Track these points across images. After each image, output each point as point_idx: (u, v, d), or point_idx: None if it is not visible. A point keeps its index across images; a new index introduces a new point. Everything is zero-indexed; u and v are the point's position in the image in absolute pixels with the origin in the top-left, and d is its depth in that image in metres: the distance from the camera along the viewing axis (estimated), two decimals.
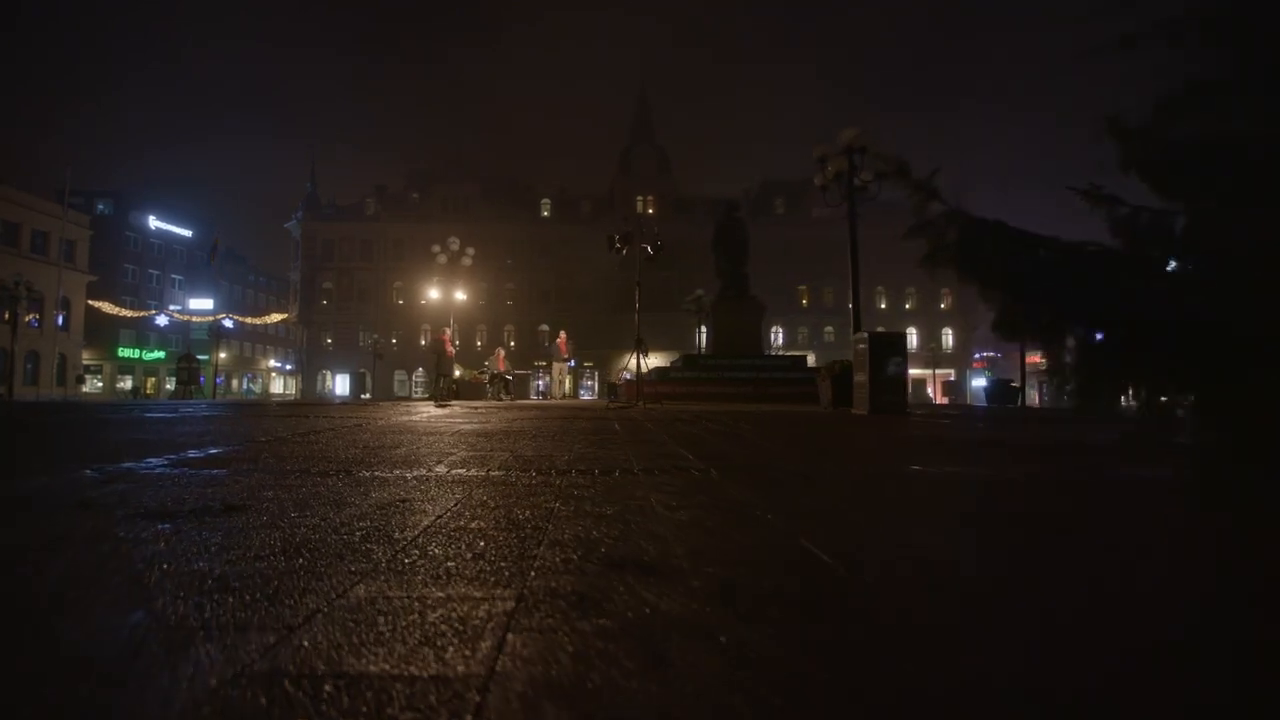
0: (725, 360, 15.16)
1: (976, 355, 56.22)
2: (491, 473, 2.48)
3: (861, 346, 8.30)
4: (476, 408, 9.62)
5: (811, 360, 19.31)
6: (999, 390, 16.53)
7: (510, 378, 15.57)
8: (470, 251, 16.68)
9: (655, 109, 54.09)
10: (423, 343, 47.29)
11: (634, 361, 10.17)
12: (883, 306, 51.77)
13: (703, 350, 23.88)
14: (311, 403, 16.69)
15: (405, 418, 6.56)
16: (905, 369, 8.13)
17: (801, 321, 49.83)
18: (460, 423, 5.66)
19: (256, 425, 5.29)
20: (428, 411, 8.31)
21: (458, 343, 48.48)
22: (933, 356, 45.93)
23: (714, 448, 3.59)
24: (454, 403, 12.44)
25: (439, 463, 2.78)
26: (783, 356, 18.81)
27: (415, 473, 2.45)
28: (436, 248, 16.25)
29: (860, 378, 8.33)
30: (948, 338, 51.35)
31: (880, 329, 9.24)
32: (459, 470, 2.54)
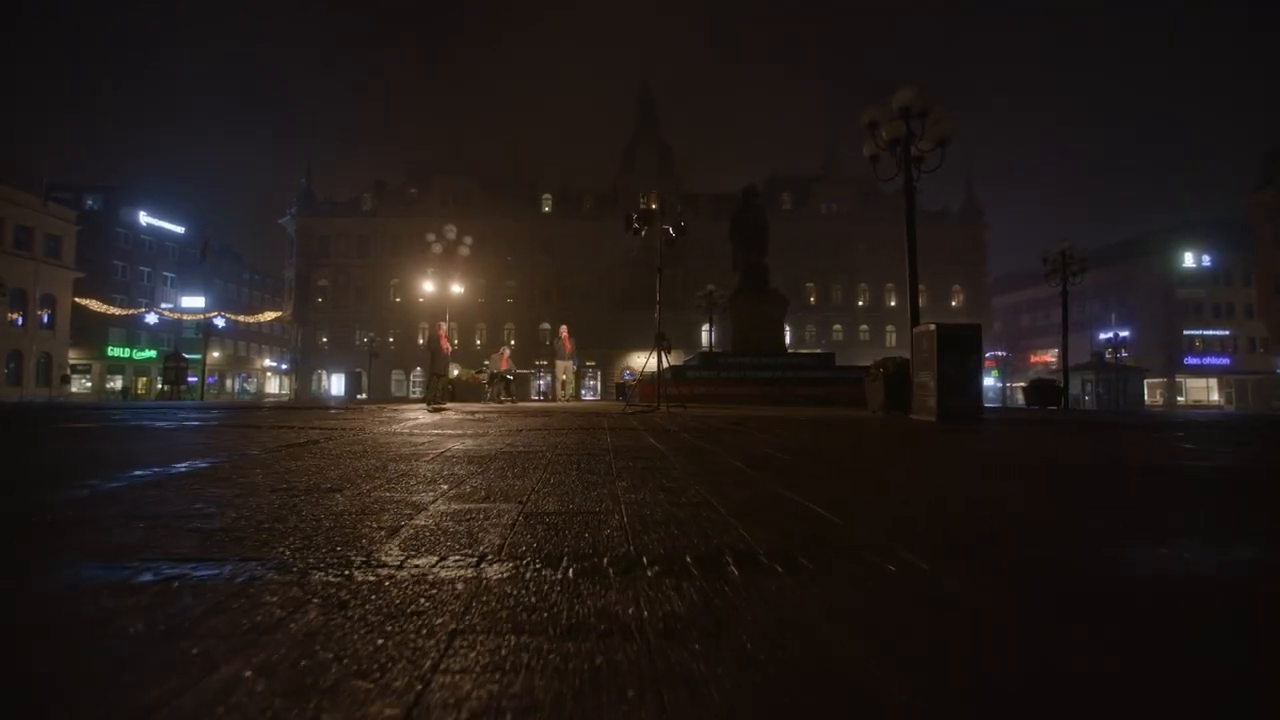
0: (747, 359, 13.90)
1: (987, 354, 55.02)
2: (487, 570, 1.24)
3: (926, 340, 7.06)
4: (474, 413, 8.38)
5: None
6: (1041, 390, 15.27)
7: (512, 378, 14.32)
8: (468, 240, 15.42)
9: (658, 105, 52.68)
10: (420, 341, 46.01)
11: (652, 360, 8.92)
12: (892, 304, 50.57)
13: (710, 349, 22.67)
14: (299, 405, 15.47)
15: (385, 428, 5.32)
16: (980, 368, 6.89)
17: (809, 319, 48.61)
18: (451, 436, 4.41)
19: (181, 443, 4.06)
20: (416, 418, 7.07)
21: (456, 341, 47.66)
22: None
23: (820, 481, 2.36)
24: (449, 406, 11.20)
25: (393, 535, 1.53)
26: (808, 354, 17.57)
27: (332, 574, 1.21)
28: (431, 236, 14.98)
29: (924, 378, 7.09)
30: None
31: (934, 322, 7.99)
32: (422, 560, 1.30)
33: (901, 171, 7.89)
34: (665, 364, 8.86)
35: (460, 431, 4.89)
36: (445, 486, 2.22)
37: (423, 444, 3.76)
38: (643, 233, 8.48)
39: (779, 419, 7.02)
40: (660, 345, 8.53)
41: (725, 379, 13.24)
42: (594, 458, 3.08)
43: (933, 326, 6.95)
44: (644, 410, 8.32)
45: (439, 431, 4.88)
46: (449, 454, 3.20)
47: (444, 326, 11.50)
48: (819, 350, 37.57)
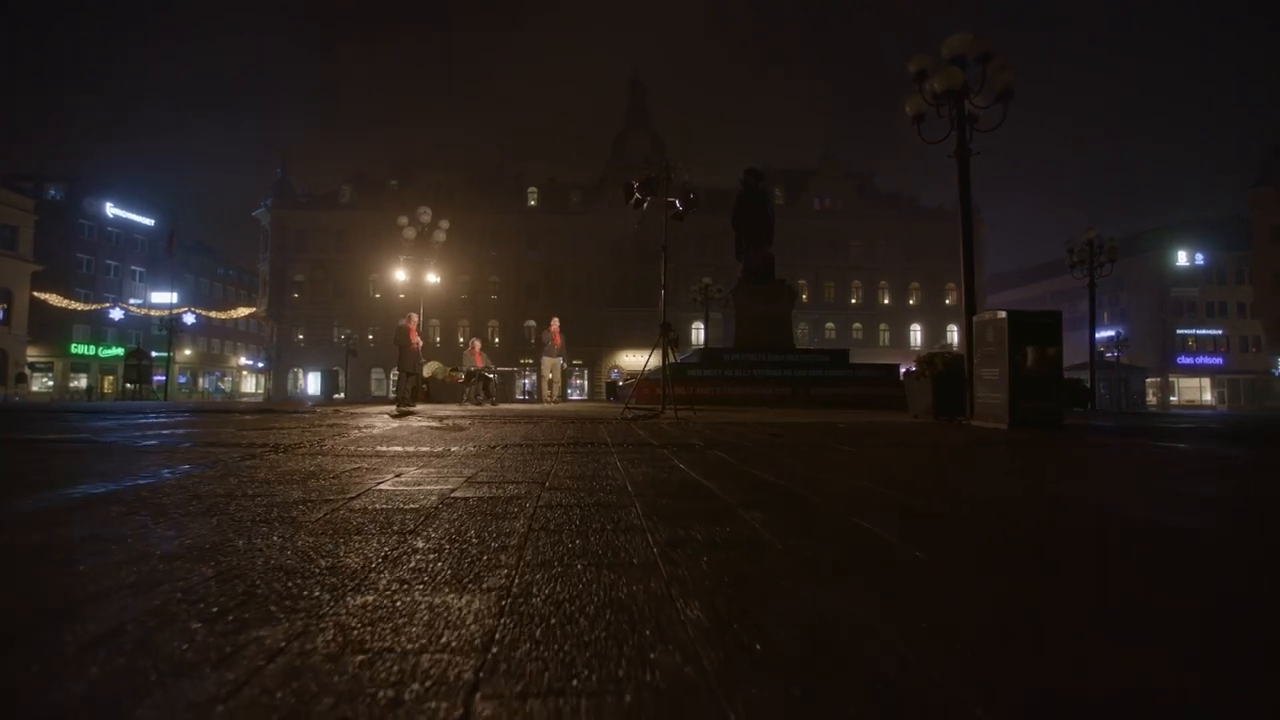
0: (754, 356, 12.63)
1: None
2: None
3: (993, 331, 5.83)
4: (443, 418, 7.03)
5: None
6: (1070, 391, 14.12)
7: (491, 375, 12.93)
8: (444, 224, 14.03)
9: (650, 96, 51.28)
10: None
11: (655, 357, 7.64)
12: (886, 302, 49.72)
13: (705, 347, 21.40)
14: (257, 408, 14.03)
15: (319, 441, 3.99)
16: (1060, 363, 5.67)
17: (803, 317, 47.50)
18: (392, 459, 3.09)
19: None
20: (371, 426, 5.73)
21: (439, 339, 45.74)
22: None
23: (1082, 585, 1.09)
24: (419, 408, 9.85)
25: None
26: (820, 351, 16.35)
27: None
28: (404, 219, 13.56)
29: (989, 375, 5.85)
30: (953, 334, 49.35)
31: (1003, 308, 6.77)
32: None
33: (955, 131, 6.64)
34: (672, 360, 7.57)
35: (412, 449, 3.57)
36: (276, 634, 0.90)
37: (336, 479, 2.44)
38: (644, 204, 7.19)
39: (817, 428, 5.75)
40: (666, 338, 7.23)
41: (731, 378, 11.97)
42: (609, 514, 1.77)
43: (1002, 314, 5.71)
44: (647, 415, 7.02)
45: (383, 450, 3.56)
46: (361, 507, 1.88)
47: (413, 319, 10.12)
48: (810, 348, 36.51)
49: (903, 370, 9.00)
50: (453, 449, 3.60)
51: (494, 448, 3.67)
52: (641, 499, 1.99)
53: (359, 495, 2.04)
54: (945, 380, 6.70)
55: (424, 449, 3.60)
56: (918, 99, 6.85)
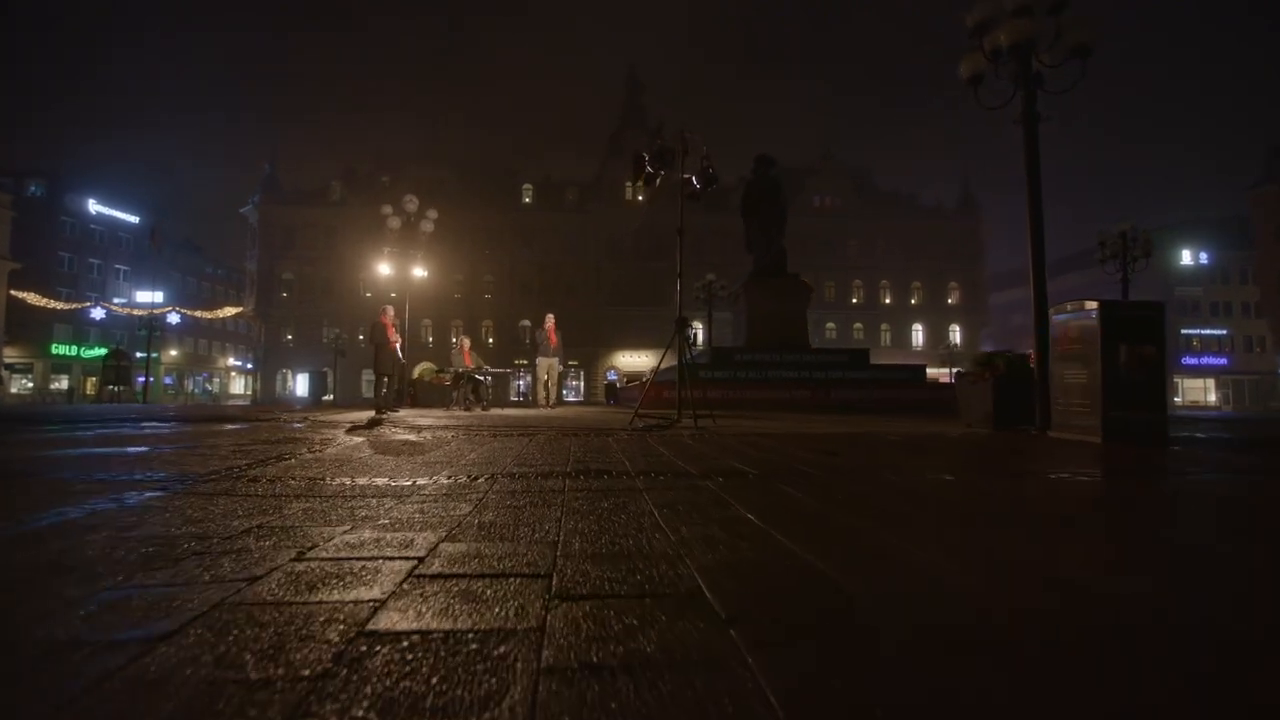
0: (767, 356, 11.68)
1: None
2: None
3: (1079, 327, 4.89)
4: (419, 429, 6.04)
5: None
6: None
7: (482, 377, 11.91)
8: (432, 214, 13.05)
9: (646, 92, 50.25)
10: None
11: (670, 356, 6.68)
12: (888, 301, 48.94)
13: (710, 346, 20.43)
14: (220, 415, 13.02)
15: (250, 462, 3.00)
16: (1164, 365, 4.73)
17: None
18: (328, 500, 2.11)
19: None
20: (334, 440, 4.74)
21: (431, 339, 44.62)
22: (948, 354, 42.57)
23: None
24: (400, 413, 8.85)
25: None
26: (839, 350, 15.41)
27: None
28: (388, 208, 12.57)
29: (1075, 377, 4.92)
30: (955, 334, 48.59)
31: (1094, 298, 5.86)
32: None
33: (1021, 91, 5.70)
34: (688, 359, 6.60)
35: (363, 482, 2.59)
36: None
37: (196, 562, 1.46)
38: (657, 180, 6.25)
39: (870, 441, 4.79)
40: (681, 335, 6.27)
41: (744, 380, 11.01)
42: (699, 706, 0.79)
43: (1092, 305, 4.77)
44: (661, 425, 6.06)
45: (323, 483, 2.58)
46: (158, 674, 0.89)
47: (389, 312, 9.08)
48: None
49: (953, 373, 8.06)
50: (419, 481, 2.63)
51: (475, 480, 2.70)
52: (741, 632, 1.02)
53: (195, 620, 1.06)
54: (1008, 384, 5.76)
55: (379, 482, 2.62)
56: (976, 57, 5.90)
